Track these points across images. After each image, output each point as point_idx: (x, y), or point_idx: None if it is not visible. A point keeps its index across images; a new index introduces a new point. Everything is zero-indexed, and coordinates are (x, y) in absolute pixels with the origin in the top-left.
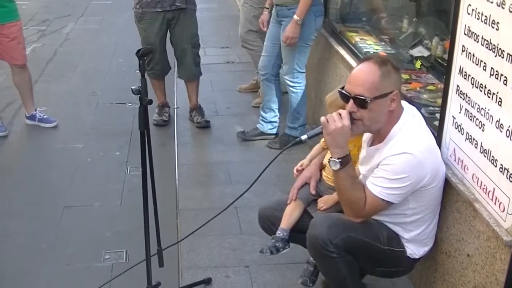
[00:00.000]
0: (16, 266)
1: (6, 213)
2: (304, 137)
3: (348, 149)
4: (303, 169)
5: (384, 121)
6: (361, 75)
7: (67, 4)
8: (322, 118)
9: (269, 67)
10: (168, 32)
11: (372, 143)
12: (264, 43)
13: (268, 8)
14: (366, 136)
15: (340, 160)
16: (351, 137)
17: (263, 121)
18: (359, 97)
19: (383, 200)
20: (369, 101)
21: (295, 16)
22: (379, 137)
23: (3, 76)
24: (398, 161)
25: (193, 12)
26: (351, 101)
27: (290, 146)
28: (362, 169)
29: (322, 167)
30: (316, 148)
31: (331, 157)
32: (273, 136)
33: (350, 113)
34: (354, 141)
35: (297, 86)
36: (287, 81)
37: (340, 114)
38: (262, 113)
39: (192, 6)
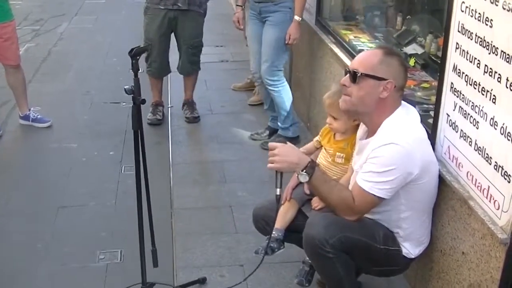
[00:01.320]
0: (11, 266)
1: (1, 213)
2: (278, 191)
3: (306, 157)
4: None
5: (372, 107)
6: (363, 54)
7: (61, 3)
8: (268, 166)
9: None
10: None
11: (366, 137)
12: (249, 44)
13: (241, 6)
14: (360, 131)
15: (305, 171)
16: (344, 135)
17: (274, 119)
18: (353, 70)
19: (375, 195)
20: (359, 74)
21: (296, 17)
22: (372, 130)
23: None
24: (385, 153)
25: (196, 15)
26: (347, 75)
27: (278, 208)
28: (355, 163)
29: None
30: (310, 143)
31: (297, 175)
32: (267, 136)
33: (343, 88)
34: (347, 139)
35: (278, 84)
36: (267, 80)
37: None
38: (270, 113)
39: (197, 8)
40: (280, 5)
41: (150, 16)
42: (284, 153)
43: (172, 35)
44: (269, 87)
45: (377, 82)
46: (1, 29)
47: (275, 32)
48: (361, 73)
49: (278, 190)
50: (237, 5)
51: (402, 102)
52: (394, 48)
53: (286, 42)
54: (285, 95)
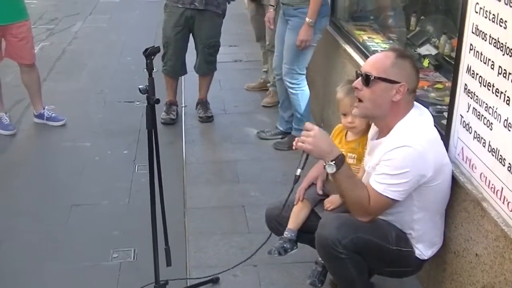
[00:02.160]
0: (24, 264)
1: (15, 211)
2: (298, 171)
3: (338, 150)
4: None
5: (386, 110)
6: (375, 57)
7: (76, 2)
8: (298, 144)
9: (281, 67)
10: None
11: (378, 137)
12: (275, 42)
13: (273, 6)
14: (372, 131)
15: (334, 161)
16: (355, 135)
17: (282, 119)
18: (366, 73)
19: (388, 197)
20: (372, 78)
21: (307, 19)
22: (383, 131)
23: (11, 75)
24: (398, 155)
25: (214, 15)
26: (359, 78)
27: (293, 188)
28: (366, 164)
29: None
30: None
31: (324, 164)
32: (281, 136)
33: (356, 91)
34: (358, 139)
35: (296, 87)
36: (286, 82)
37: (307, 129)
38: (281, 112)
39: (214, 8)
40: (299, 11)
41: (168, 13)
42: (319, 138)
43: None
44: (289, 89)
45: (390, 85)
46: (16, 28)
47: (293, 36)
48: (374, 77)
49: (299, 170)
50: (269, 5)
51: (415, 103)
52: (406, 50)
53: (296, 44)
54: (302, 98)
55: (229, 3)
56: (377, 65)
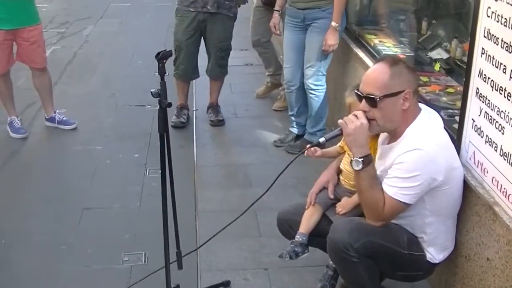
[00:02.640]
0: (35, 266)
1: (26, 214)
2: (322, 139)
3: (369, 149)
4: (314, 150)
5: (399, 121)
6: (371, 75)
7: (87, 6)
8: (340, 121)
9: (297, 78)
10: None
11: (388, 142)
12: (285, 53)
13: (278, 11)
14: (382, 136)
15: (362, 159)
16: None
17: (298, 125)
18: (369, 95)
19: (399, 201)
20: (378, 99)
21: (333, 23)
22: (394, 136)
23: (22, 78)
24: (410, 159)
25: (225, 18)
26: (363, 100)
27: (309, 147)
28: (377, 168)
29: (339, 172)
30: (334, 147)
31: (352, 158)
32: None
33: (364, 113)
34: (369, 143)
35: (320, 89)
36: (310, 85)
37: (356, 116)
38: (295, 119)
39: (226, 11)
40: (328, 11)
41: (180, 17)
42: (362, 129)
43: (202, 39)
44: (311, 92)
45: (396, 97)
46: (28, 32)
47: (320, 37)
48: (379, 97)
49: (323, 139)
50: (275, 10)
51: (424, 106)
52: (393, 55)
53: (323, 49)
54: (324, 100)
55: (239, 6)
56: (377, 83)
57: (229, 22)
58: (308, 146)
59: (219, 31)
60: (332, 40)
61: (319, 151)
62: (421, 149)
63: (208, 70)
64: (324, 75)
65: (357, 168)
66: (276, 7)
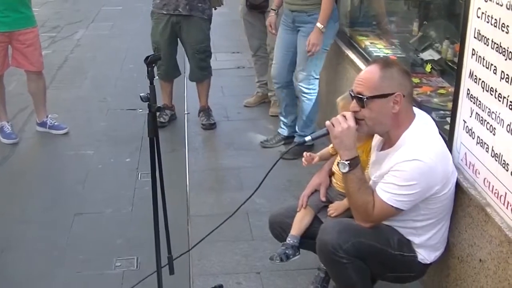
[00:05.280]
0: (27, 272)
1: (18, 219)
2: (308, 138)
3: (356, 151)
4: (311, 158)
5: (389, 124)
6: (363, 75)
7: (78, 10)
8: (327, 122)
9: (283, 75)
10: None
11: (382, 147)
12: (275, 50)
13: (275, 10)
14: (376, 140)
15: (348, 162)
16: (358, 142)
17: (285, 125)
18: (358, 95)
19: (392, 206)
20: (365, 99)
21: (318, 24)
22: (389, 141)
23: (14, 83)
24: (408, 168)
25: (200, 20)
26: (354, 100)
27: (294, 146)
28: (372, 174)
29: (331, 174)
30: (326, 149)
31: (339, 160)
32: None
33: (355, 113)
34: (362, 146)
35: (311, 92)
36: (301, 88)
37: (344, 116)
38: (282, 118)
39: (199, 14)
40: (313, 17)
41: (155, 20)
42: (349, 132)
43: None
44: (303, 95)
45: (385, 99)
46: (23, 35)
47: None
48: (367, 97)
49: (309, 137)
50: (271, 9)
51: (418, 111)
52: (388, 57)
53: (307, 49)
54: (315, 103)
55: (215, 9)
56: (366, 84)
57: (204, 24)
58: (292, 145)
59: (194, 33)
60: (315, 39)
61: (316, 158)
62: (421, 160)
63: (189, 75)
64: (316, 78)
65: (344, 171)
66: (273, 6)
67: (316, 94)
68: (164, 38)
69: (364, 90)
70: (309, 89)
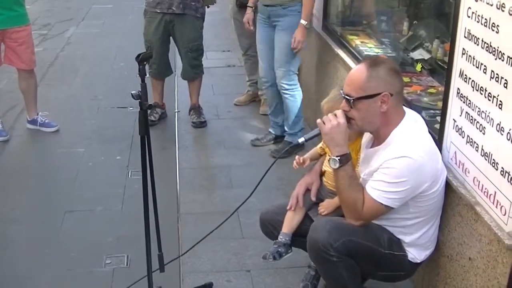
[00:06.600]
0: (18, 270)
1: (8, 217)
2: (301, 139)
3: (347, 148)
4: (302, 162)
5: (379, 123)
6: (350, 75)
7: (69, 8)
8: (318, 120)
9: (271, 74)
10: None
11: (372, 145)
12: (258, 48)
13: (251, 7)
14: (366, 138)
15: (339, 158)
16: (348, 140)
17: (276, 125)
18: (346, 96)
19: (382, 204)
20: (352, 100)
21: (302, 21)
22: (378, 139)
23: (4, 81)
24: (397, 165)
25: (193, 19)
26: (344, 99)
27: (288, 149)
28: (361, 172)
29: (322, 173)
30: (315, 149)
31: (330, 156)
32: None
33: (345, 112)
34: (352, 144)
35: (294, 88)
36: (283, 85)
37: (335, 114)
38: (272, 118)
39: (193, 12)
40: (289, 9)
41: (148, 19)
42: (339, 129)
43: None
44: (285, 92)
45: (372, 99)
46: (16, 33)
47: (286, 36)
48: (354, 99)
49: (302, 139)
50: (248, 6)
51: (407, 109)
52: (378, 56)
53: (292, 46)
54: (298, 99)
55: (208, 7)
56: (353, 85)
57: (197, 22)
58: (287, 147)
59: (187, 31)
60: (300, 36)
61: (306, 161)
62: (410, 157)
63: (181, 73)
64: (295, 74)
65: (334, 167)
66: (249, 3)
67: (298, 90)
68: (157, 37)
69: (351, 91)
70: (290, 85)
